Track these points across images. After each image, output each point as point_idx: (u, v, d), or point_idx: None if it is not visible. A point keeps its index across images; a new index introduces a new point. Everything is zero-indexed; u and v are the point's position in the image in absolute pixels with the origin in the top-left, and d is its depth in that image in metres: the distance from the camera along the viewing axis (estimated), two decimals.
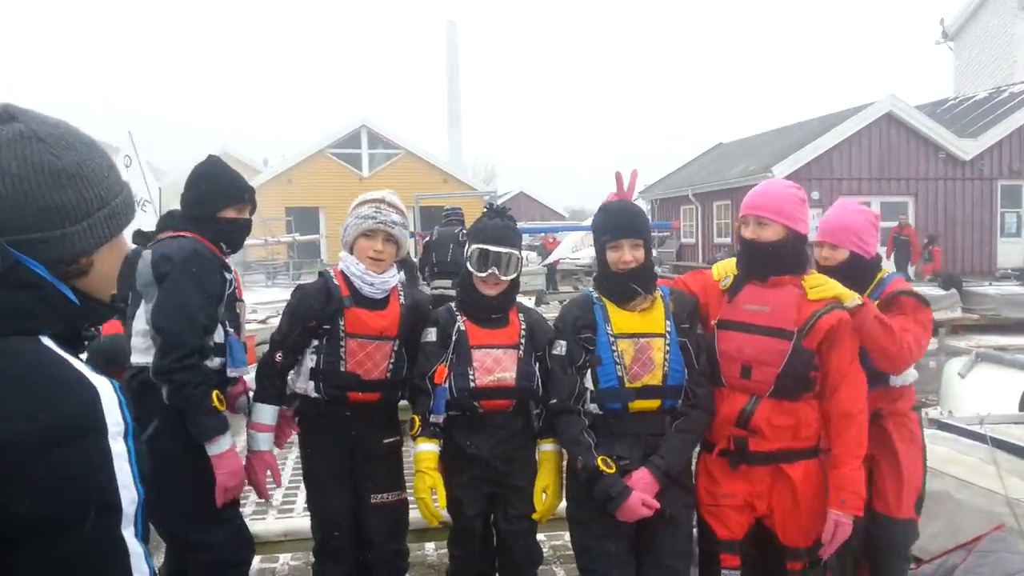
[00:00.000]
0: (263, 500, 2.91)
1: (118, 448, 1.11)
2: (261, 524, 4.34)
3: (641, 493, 2.61)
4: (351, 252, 2.95)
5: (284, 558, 4.66)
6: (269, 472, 2.95)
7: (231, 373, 2.85)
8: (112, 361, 3.05)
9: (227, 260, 2.89)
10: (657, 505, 2.63)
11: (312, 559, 3.13)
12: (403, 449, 3.15)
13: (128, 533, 1.11)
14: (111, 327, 3.43)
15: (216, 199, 2.80)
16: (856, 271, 3.02)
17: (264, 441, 2.91)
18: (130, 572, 1.11)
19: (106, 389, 1.13)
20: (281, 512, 5.57)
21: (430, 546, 4.81)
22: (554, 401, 2.77)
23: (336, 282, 2.91)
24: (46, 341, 1.17)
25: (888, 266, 2.97)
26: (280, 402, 2.94)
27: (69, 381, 1.12)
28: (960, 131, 21.60)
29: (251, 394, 2.98)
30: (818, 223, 3.15)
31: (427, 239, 9.57)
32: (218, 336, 2.77)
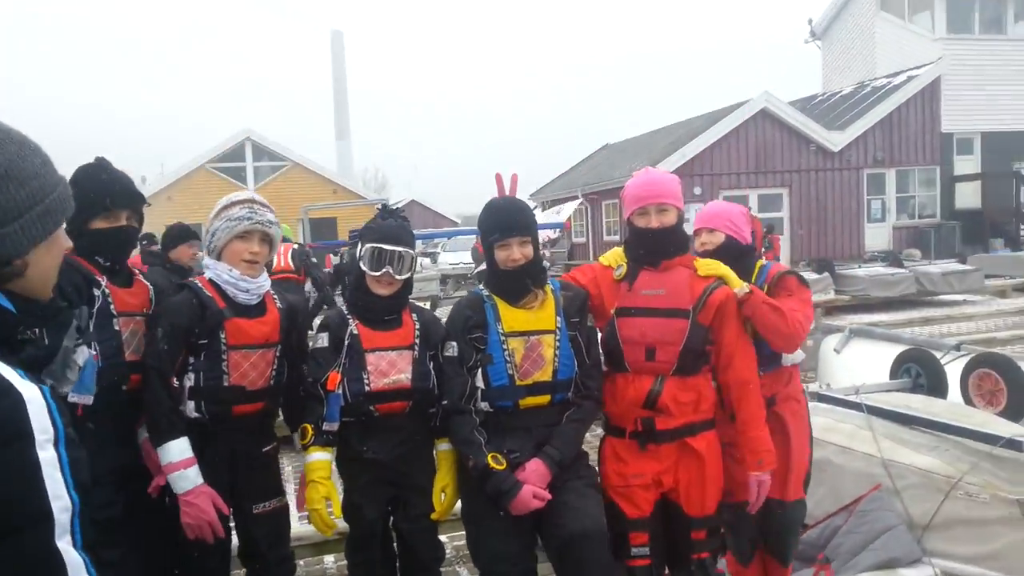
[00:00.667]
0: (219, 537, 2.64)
1: (47, 456, 1.07)
2: None
3: (532, 486, 2.62)
4: (219, 258, 2.77)
5: None
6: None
7: (71, 398, 2.38)
8: None
9: (98, 275, 2.60)
10: (548, 496, 2.65)
11: None
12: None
13: (63, 543, 1.07)
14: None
15: (79, 210, 2.56)
16: (734, 255, 3.14)
17: (196, 474, 2.59)
18: None
19: (33, 395, 1.09)
20: None
21: (329, 559, 4.69)
22: (446, 402, 2.75)
23: (207, 293, 2.73)
24: None
25: None
26: (186, 431, 2.63)
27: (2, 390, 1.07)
28: (829, 124, 22.82)
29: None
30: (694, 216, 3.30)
31: (337, 262, 9.27)
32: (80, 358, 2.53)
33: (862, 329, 7.16)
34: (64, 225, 1.30)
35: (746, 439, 2.82)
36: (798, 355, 3.25)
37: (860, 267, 16.16)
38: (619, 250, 3.00)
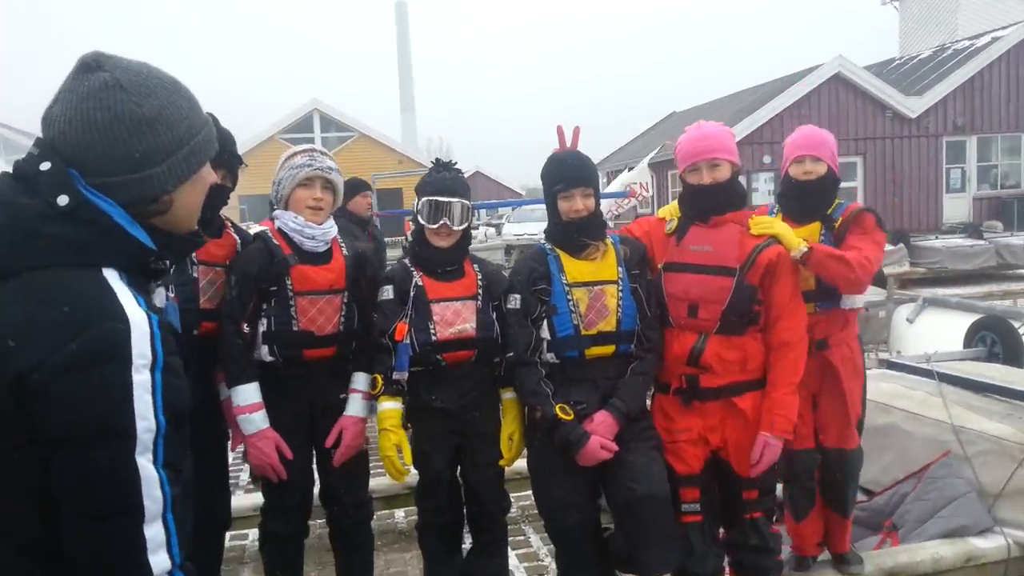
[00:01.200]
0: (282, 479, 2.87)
1: (141, 379, 1.17)
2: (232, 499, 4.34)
3: (600, 437, 2.67)
4: (286, 208, 2.89)
5: (253, 533, 4.67)
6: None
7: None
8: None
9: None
10: (616, 447, 2.69)
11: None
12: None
13: (143, 459, 1.16)
14: None
15: None
16: (829, 187, 3.13)
17: (262, 419, 2.78)
18: (139, 494, 1.16)
19: (140, 322, 1.20)
20: (248, 490, 5.57)
21: (400, 513, 4.85)
22: (511, 354, 2.81)
23: (276, 241, 2.86)
24: (107, 273, 1.24)
25: None
26: (257, 376, 2.81)
27: (105, 312, 1.19)
28: (906, 89, 21.99)
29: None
30: (788, 143, 3.21)
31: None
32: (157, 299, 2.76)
33: (936, 299, 6.99)
34: (208, 163, 1.41)
35: (769, 399, 2.76)
36: (857, 300, 3.19)
37: (937, 238, 15.65)
38: (675, 203, 2.99)
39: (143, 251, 1.30)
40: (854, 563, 3.37)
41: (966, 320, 6.03)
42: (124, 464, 1.16)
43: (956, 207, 21.89)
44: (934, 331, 6.49)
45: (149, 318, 1.23)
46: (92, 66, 1.28)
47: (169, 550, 1.20)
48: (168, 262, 1.38)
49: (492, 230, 24.54)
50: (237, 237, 3.00)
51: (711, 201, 2.80)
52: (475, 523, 3.03)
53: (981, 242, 14.17)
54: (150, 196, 1.31)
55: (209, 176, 1.43)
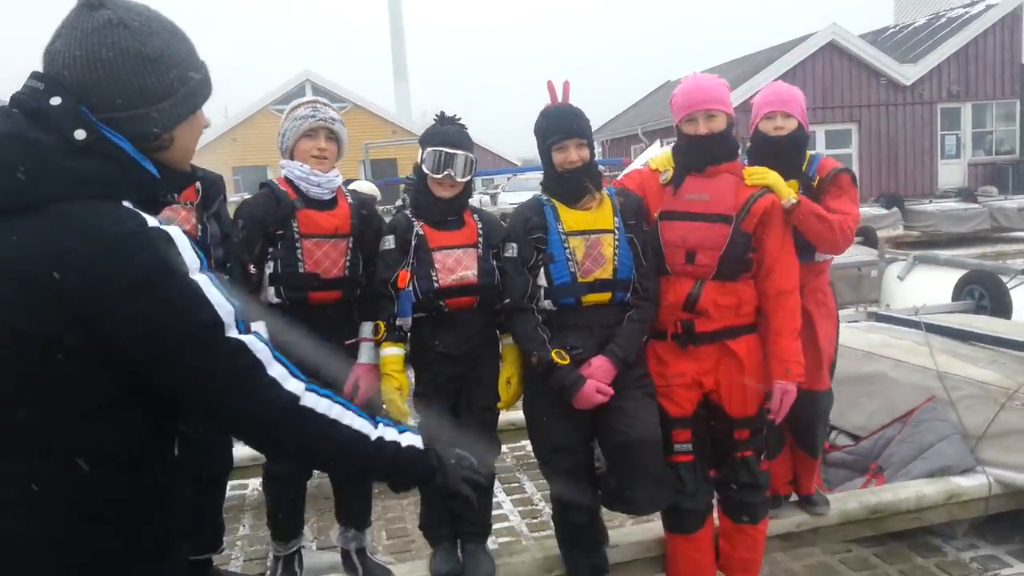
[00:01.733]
0: None
1: (201, 278, 1.29)
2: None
3: (596, 381, 2.73)
4: (291, 158, 2.96)
5: (254, 483, 4.76)
6: None
7: None
8: None
9: None
10: (611, 391, 2.76)
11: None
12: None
13: (235, 332, 1.31)
14: None
15: None
16: (800, 143, 3.16)
17: None
18: (250, 354, 1.32)
19: (178, 234, 1.30)
20: None
21: None
22: (508, 301, 2.87)
23: (282, 188, 2.93)
24: (127, 204, 1.30)
25: None
26: (264, 316, 2.80)
27: (150, 234, 1.27)
28: (901, 57, 21.92)
29: None
30: (757, 100, 3.23)
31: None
32: None
33: (926, 256, 7.07)
34: (203, 106, 1.47)
35: (776, 348, 2.83)
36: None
37: (931, 202, 15.72)
38: (668, 154, 3.03)
39: (154, 184, 1.36)
40: (820, 504, 3.46)
41: (955, 276, 6.10)
42: (227, 343, 1.30)
43: (951, 173, 21.93)
44: (924, 287, 6.57)
45: (180, 229, 1.32)
46: (95, 4, 1.32)
47: (295, 376, 1.38)
48: (171, 196, 1.45)
49: (487, 199, 24.52)
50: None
51: (708, 151, 2.84)
52: None
53: (975, 206, 14.25)
54: (152, 132, 1.36)
55: (204, 120, 1.48)
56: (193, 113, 1.44)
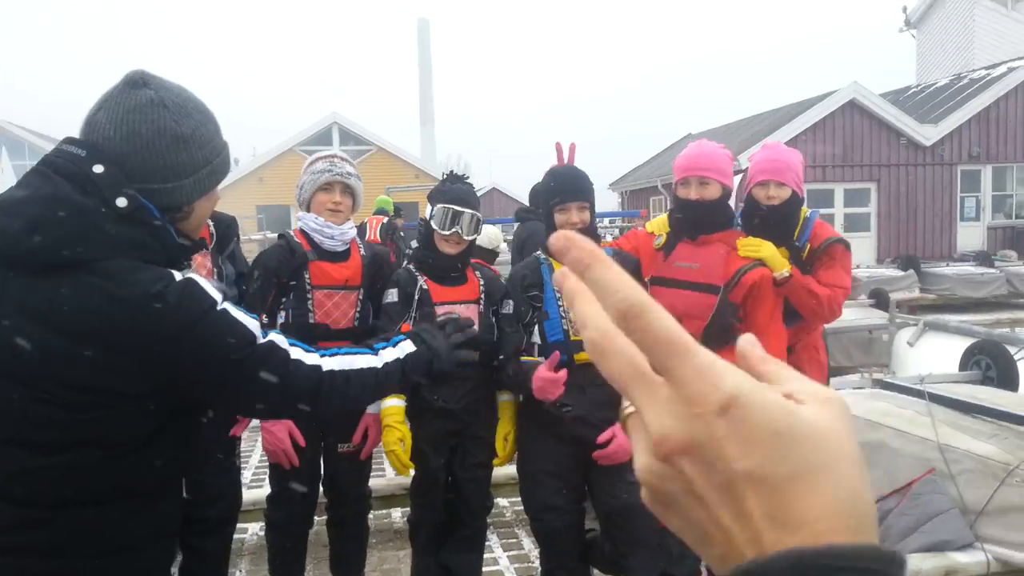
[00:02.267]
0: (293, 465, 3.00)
1: (227, 306, 1.48)
2: None
3: (544, 368, 2.72)
4: (308, 210, 3.07)
5: (253, 527, 4.79)
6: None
7: None
8: None
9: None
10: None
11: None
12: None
13: (262, 339, 1.51)
14: None
15: None
16: (791, 214, 3.19)
17: None
18: (281, 349, 1.54)
19: (199, 278, 1.48)
20: (250, 486, 5.69)
21: (396, 513, 4.96)
22: (502, 357, 2.94)
23: (297, 240, 3.05)
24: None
25: None
26: None
27: (183, 283, 1.44)
28: (922, 117, 22.02)
29: None
30: (753, 162, 3.26)
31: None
32: None
33: (937, 322, 7.05)
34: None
35: None
36: None
37: (948, 265, 15.65)
38: (664, 217, 3.10)
39: (180, 251, 1.53)
40: None
41: (964, 344, 6.10)
42: (262, 348, 1.51)
43: (970, 236, 21.85)
44: (933, 354, 6.56)
45: (197, 276, 1.49)
46: (139, 83, 1.48)
47: (308, 351, 1.60)
48: (187, 263, 1.62)
49: (505, 245, 24.68)
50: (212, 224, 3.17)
51: (695, 217, 2.91)
52: (457, 518, 3.14)
53: (992, 270, 14.16)
54: (176, 204, 1.50)
55: (217, 196, 1.65)
56: (213, 189, 1.58)
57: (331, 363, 1.62)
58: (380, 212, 9.64)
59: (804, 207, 3.29)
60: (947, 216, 21.75)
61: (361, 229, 8.35)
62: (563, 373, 2.74)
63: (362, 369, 1.68)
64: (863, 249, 20.55)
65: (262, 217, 26.26)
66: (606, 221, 21.40)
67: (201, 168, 1.52)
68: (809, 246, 3.17)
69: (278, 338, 1.55)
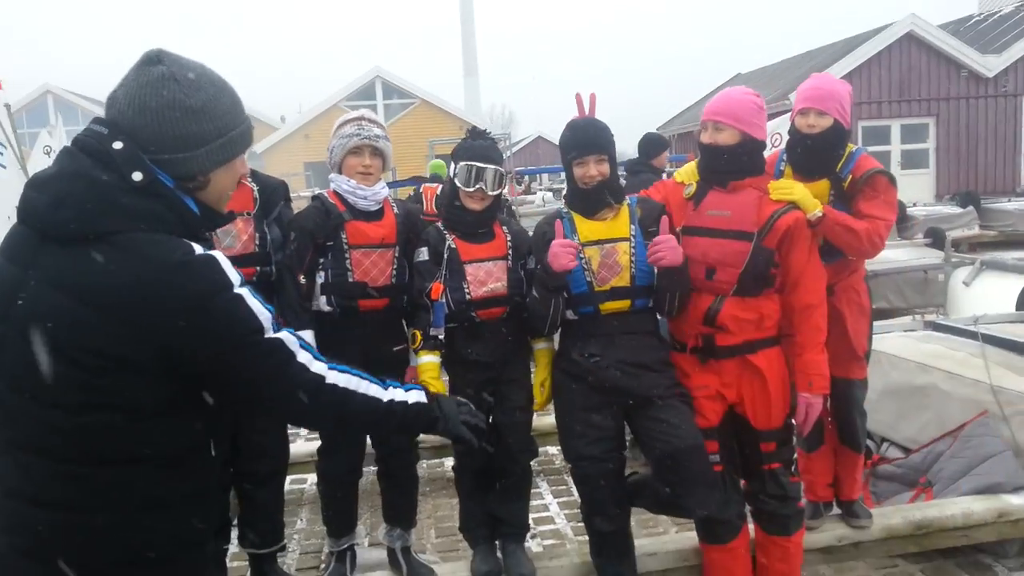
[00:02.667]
0: None
1: (243, 292, 1.51)
2: (291, 446, 4.62)
3: (558, 239, 2.78)
4: (339, 172, 3.11)
5: (311, 478, 4.97)
6: None
7: None
8: None
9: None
10: (574, 243, 2.80)
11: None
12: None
13: (272, 333, 1.54)
14: None
15: None
16: (836, 140, 3.11)
17: None
18: (286, 348, 1.56)
19: (220, 256, 1.51)
20: (307, 438, 5.88)
21: (448, 461, 5.08)
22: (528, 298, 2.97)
23: (332, 201, 3.10)
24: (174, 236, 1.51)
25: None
26: (313, 324, 3.05)
27: (201, 259, 1.47)
28: (984, 48, 21.06)
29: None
30: (798, 91, 3.20)
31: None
32: None
33: (994, 260, 6.86)
34: (243, 155, 1.66)
35: (801, 361, 2.87)
36: None
37: (1010, 201, 15.10)
38: (693, 165, 3.06)
39: (195, 220, 1.56)
40: (862, 516, 3.42)
41: (1022, 282, 5.94)
42: (267, 342, 1.53)
43: None
44: (990, 294, 6.41)
45: (220, 254, 1.53)
46: (154, 60, 1.53)
47: (318, 359, 1.62)
48: (209, 233, 1.66)
49: (550, 195, 24.56)
50: (253, 186, 3.24)
51: (715, 162, 2.88)
52: (500, 465, 3.19)
53: None
54: (190, 174, 1.55)
55: (242, 167, 1.67)
56: (230, 161, 1.61)
57: (336, 378, 1.64)
58: (435, 179, 8.66)
59: (851, 143, 3.21)
60: (1010, 150, 20.89)
61: (416, 198, 8.24)
62: (575, 242, 2.79)
63: (365, 395, 1.68)
64: (921, 186, 19.94)
65: (310, 174, 26.55)
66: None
67: (214, 140, 1.55)
68: (851, 177, 3.11)
69: (288, 338, 1.57)
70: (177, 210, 1.52)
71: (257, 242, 3.14)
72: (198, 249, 1.48)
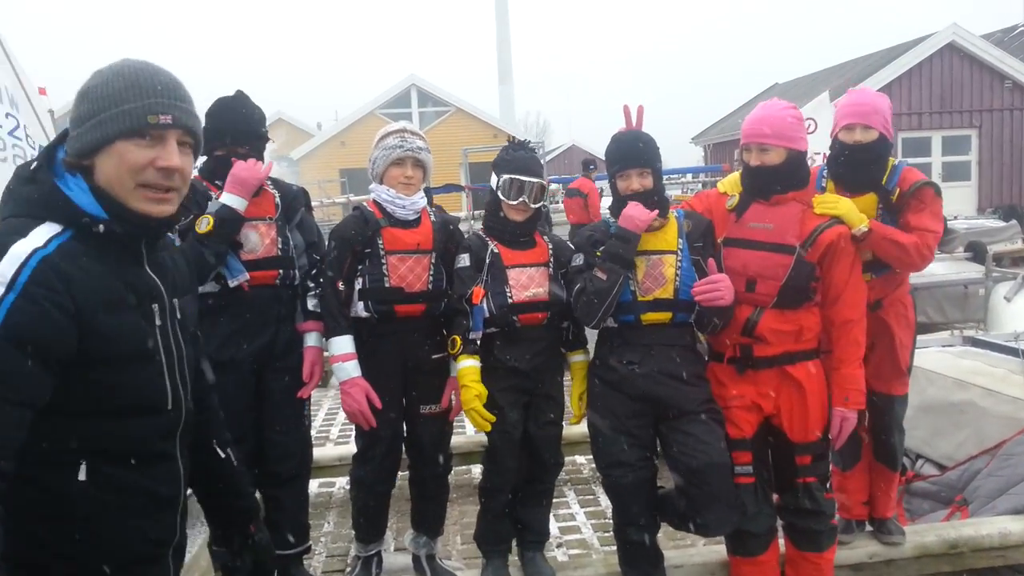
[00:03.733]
0: (371, 427, 3.09)
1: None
2: (319, 450, 4.66)
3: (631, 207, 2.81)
4: (381, 182, 3.15)
5: (340, 482, 5.00)
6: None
7: (231, 283, 3.04)
8: None
9: (215, 192, 3.06)
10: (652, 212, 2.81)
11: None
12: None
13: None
14: None
15: (207, 139, 2.96)
16: (883, 152, 3.10)
17: (354, 367, 3.05)
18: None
19: (17, 254, 1.40)
20: (337, 442, 5.93)
21: (476, 469, 5.08)
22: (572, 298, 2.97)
23: (371, 210, 3.14)
24: (44, 225, 1.47)
25: None
26: (351, 330, 3.09)
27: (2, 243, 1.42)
28: None
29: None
30: (839, 107, 3.17)
31: None
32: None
33: None
34: (134, 143, 1.52)
35: (838, 375, 2.86)
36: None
37: None
38: (737, 176, 3.05)
39: (75, 211, 1.49)
40: (895, 532, 3.36)
41: None
42: None
43: None
44: None
45: (34, 253, 1.42)
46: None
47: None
48: (105, 226, 1.53)
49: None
50: (275, 192, 3.25)
51: (765, 182, 2.87)
52: (529, 475, 3.20)
53: None
54: (72, 155, 1.53)
55: (128, 154, 1.52)
56: (107, 145, 1.52)
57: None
58: None
59: (892, 157, 3.18)
60: None
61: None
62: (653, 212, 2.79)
63: None
64: (962, 199, 19.57)
65: (345, 181, 26.82)
66: (689, 176, 21.00)
67: (87, 120, 1.52)
68: (899, 190, 3.07)
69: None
70: (51, 197, 1.49)
71: (280, 246, 3.17)
72: (16, 239, 1.42)
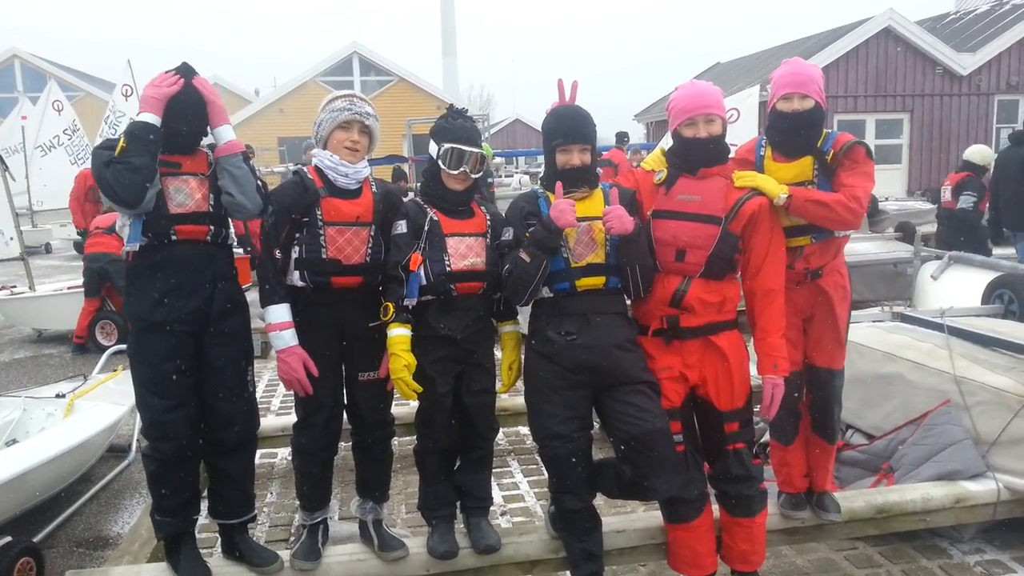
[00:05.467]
0: (308, 394, 3.06)
1: None
2: (262, 421, 4.61)
3: (561, 200, 2.85)
4: (324, 147, 3.10)
5: (282, 452, 4.98)
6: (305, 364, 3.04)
7: (123, 251, 3.01)
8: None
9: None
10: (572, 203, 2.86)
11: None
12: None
13: None
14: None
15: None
16: (819, 119, 3.20)
17: (291, 336, 3.01)
18: None
19: None
20: (278, 413, 5.88)
21: None
22: (504, 271, 3.00)
23: (311, 177, 3.08)
24: None
25: None
26: (288, 298, 3.04)
27: None
28: (959, 45, 21.31)
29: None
30: (776, 78, 3.26)
31: None
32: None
33: (961, 256, 6.97)
34: None
35: (764, 344, 2.98)
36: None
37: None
38: (659, 154, 3.13)
39: None
40: (832, 510, 3.44)
41: (988, 278, 6.06)
42: None
43: None
44: (957, 288, 6.53)
45: None
46: None
47: None
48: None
49: (527, 177, 24.57)
50: (208, 153, 3.12)
51: (704, 153, 2.97)
52: (466, 442, 3.25)
53: None
54: None
55: None
56: None
57: None
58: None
59: (826, 129, 3.29)
60: None
61: (398, 175, 8.16)
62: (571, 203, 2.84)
63: None
64: (893, 181, 20.21)
65: (283, 149, 26.27)
66: (643, 153, 21.12)
67: None
68: (832, 151, 3.18)
69: None
70: None
71: (211, 203, 3.08)
72: None
